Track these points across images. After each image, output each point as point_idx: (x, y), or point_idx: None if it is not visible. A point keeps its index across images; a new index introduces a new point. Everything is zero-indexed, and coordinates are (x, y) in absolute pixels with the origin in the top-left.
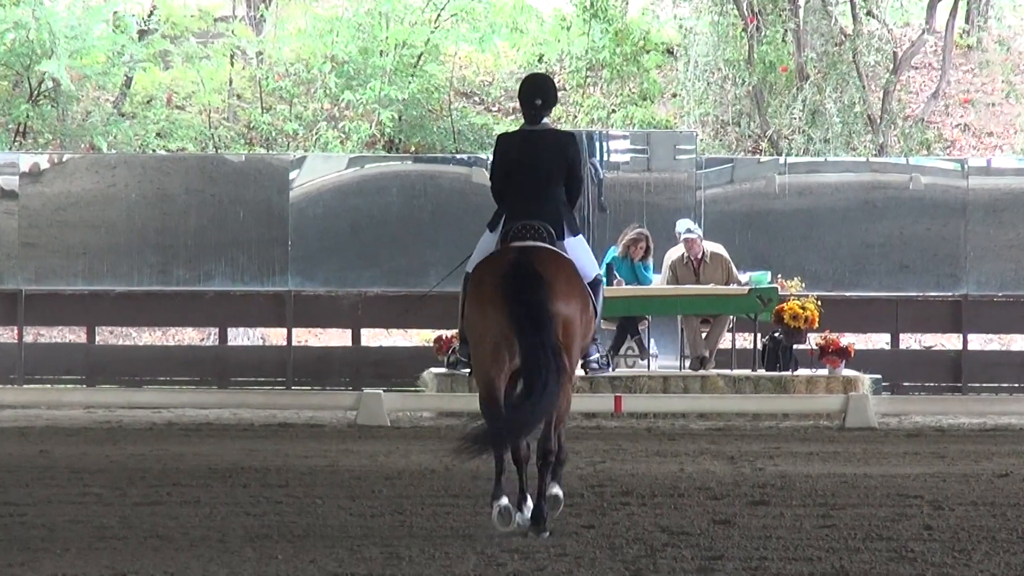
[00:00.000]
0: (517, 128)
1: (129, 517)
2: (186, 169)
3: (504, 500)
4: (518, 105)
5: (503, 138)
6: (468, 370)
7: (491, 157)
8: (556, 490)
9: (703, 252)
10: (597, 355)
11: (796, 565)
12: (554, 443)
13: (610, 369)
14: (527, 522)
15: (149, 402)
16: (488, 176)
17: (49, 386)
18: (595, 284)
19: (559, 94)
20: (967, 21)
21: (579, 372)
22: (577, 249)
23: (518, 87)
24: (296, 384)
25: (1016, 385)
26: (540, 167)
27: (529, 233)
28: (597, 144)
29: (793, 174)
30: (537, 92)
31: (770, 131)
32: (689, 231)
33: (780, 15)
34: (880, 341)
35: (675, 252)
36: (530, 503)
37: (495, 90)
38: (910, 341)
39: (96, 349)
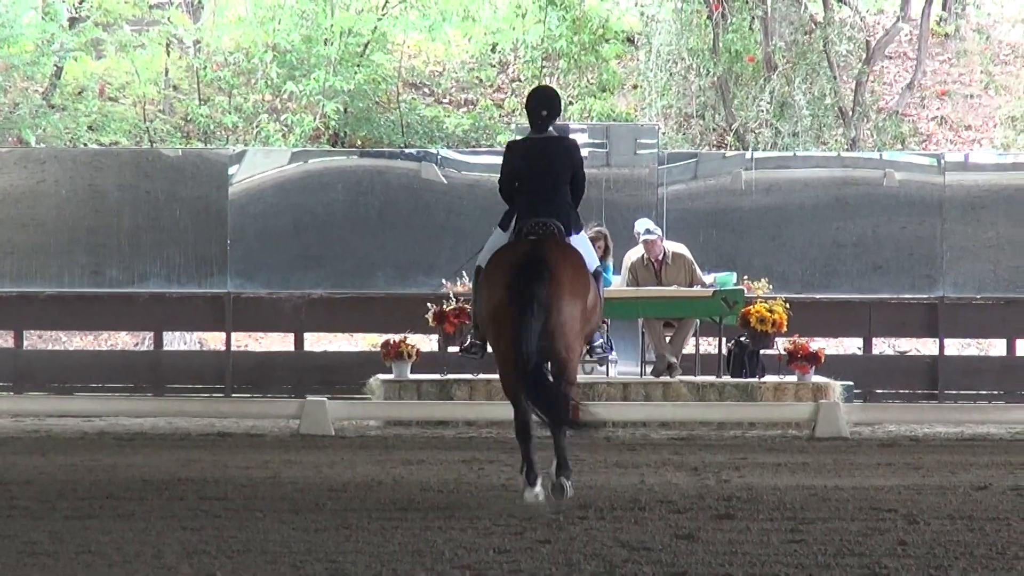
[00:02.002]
0: (525, 136)
1: (59, 532)
2: (119, 164)
3: (537, 488)
4: (490, 105)
5: (512, 144)
6: (480, 353)
7: (501, 161)
8: (566, 481)
9: (664, 252)
10: (601, 341)
11: None
12: (567, 399)
13: (612, 353)
14: (546, 493)
15: (80, 410)
16: (497, 179)
17: None
18: (595, 276)
19: (517, 84)
20: (944, 8)
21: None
22: (580, 245)
23: (525, 98)
24: (236, 391)
25: (995, 392)
26: (548, 171)
27: (541, 229)
28: None
29: (760, 169)
30: (543, 104)
31: (736, 124)
32: (649, 232)
33: (747, 2)
34: (852, 346)
35: (634, 253)
36: (543, 476)
37: (446, 81)
38: (884, 346)
39: (24, 354)
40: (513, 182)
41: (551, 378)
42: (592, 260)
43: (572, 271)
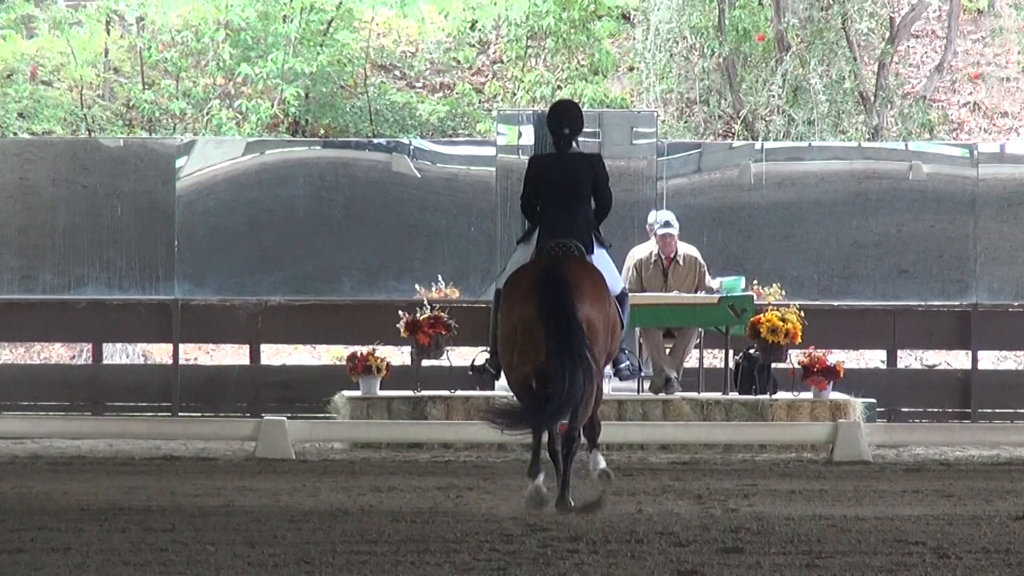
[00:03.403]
0: (549, 152)
1: None
2: (54, 155)
3: (540, 480)
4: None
5: (535, 159)
6: (492, 380)
7: (523, 175)
8: (601, 464)
9: (676, 252)
10: (627, 362)
11: None
12: (579, 434)
13: (641, 374)
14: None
15: (10, 431)
16: (520, 193)
17: None
18: (621, 296)
19: (500, 66)
20: None
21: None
22: (602, 263)
23: (547, 113)
24: (184, 410)
25: None
26: (571, 188)
27: (562, 250)
28: (539, 127)
29: (771, 161)
30: (564, 120)
31: (744, 111)
32: (667, 224)
33: None
34: (874, 359)
35: (641, 250)
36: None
37: (419, 63)
38: (910, 359)
39: None
40: (535, 198)
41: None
42: (615, 281)
43: (591, 286)
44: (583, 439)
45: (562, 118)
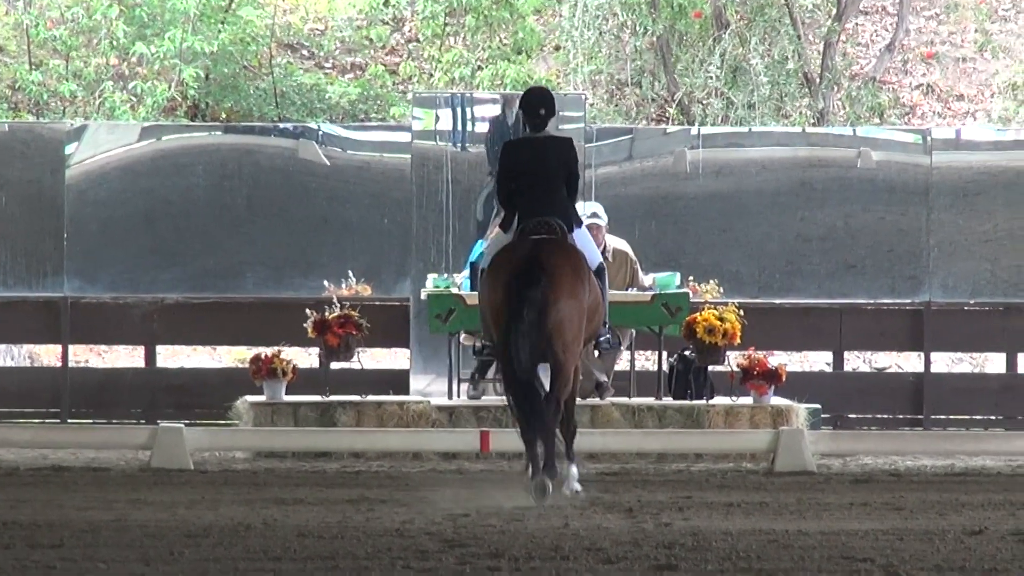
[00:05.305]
0: (522, 136)
1: None
2: None
3: (540, 475)
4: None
5: (509, 145)
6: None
7: (497, 163)
8: (575, 486)
9: (604, 246)
10: (607, 336)
11: None
12: (559, 404)
13: (620, 348)
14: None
15: None
16: (495, 182)
17: None
18: (600, 271)
19: (415, 45)
20: None
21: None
22: (582, 240)
23: (520, 99)
24: (74, 416)
25: (991, 417)
26: (546, 170)
27: (544, 228)
28: (458, 110)
29: (709, 148)
30: (541, 103)
31: (679, 94)
32: (594, 215)
33: None
34: (820, 361)
35: None
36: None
37: (329, 42)
38: (858, 361)
39: None
40: (511, 182)
41: (545, 384)
42: (594, 257)
43: (571, 272)
44: (560, 437)
45: (538, 100)
